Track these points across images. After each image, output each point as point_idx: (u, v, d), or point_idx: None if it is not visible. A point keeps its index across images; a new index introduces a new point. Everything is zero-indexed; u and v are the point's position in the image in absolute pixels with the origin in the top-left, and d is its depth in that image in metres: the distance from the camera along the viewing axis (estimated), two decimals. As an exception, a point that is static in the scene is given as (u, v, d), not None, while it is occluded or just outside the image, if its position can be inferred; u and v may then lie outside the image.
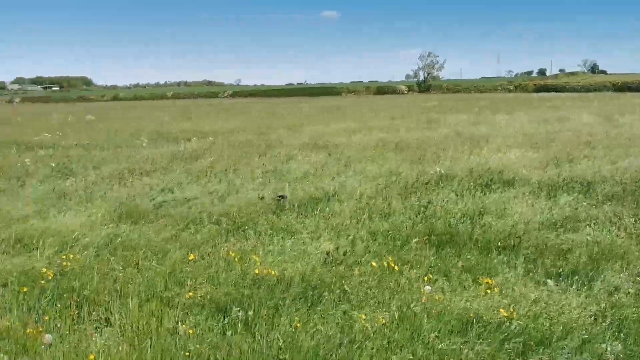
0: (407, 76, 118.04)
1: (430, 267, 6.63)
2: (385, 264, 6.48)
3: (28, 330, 4.67)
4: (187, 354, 4.40)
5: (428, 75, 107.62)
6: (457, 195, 10.22)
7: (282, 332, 4.79)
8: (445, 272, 6.49)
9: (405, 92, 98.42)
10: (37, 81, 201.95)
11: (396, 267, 6.38)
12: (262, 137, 21.93)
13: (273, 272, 6.13)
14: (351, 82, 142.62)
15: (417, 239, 7.57)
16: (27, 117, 40.18)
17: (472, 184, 11.12)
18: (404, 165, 13.87)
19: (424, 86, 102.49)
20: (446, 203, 9.66)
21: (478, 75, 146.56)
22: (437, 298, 5.64)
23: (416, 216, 8.82)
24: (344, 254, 6.96)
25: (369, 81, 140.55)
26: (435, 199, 9.93)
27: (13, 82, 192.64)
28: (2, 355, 4.27)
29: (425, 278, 6.13)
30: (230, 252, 6.86)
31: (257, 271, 6.08)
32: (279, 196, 10.18)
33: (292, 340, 4.66)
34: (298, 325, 4.89)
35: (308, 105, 52.46)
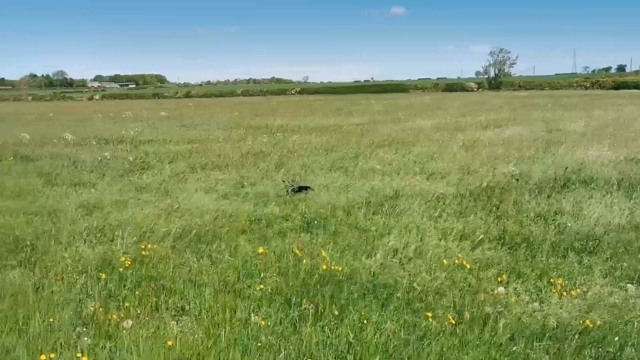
0: (477, 73, 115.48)
1: (503, 267, 6.44)
2: (456, 263, 6.36)
3: (110, 316, 4.89)
4: (259, 344, 4.48)
5: (499, 71, 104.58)
6: (530, 195, 9.89)
7: (351, 327, 4.79)
8: (519, 273, 6.29)
9: (475, 89, 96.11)
10: (115, 79, 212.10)
11: (467, 266, 6.25)
12: (331, 135, 21.99)
13: (341, 268, 6.14)
14: (419, 79, 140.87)
15: (489, 239, 7.40)
16: (106, 114, 42.15)
17: (548, 183, 10.75)
18: (476, 164, 13.57)
19: (495, 83, 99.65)
20: (520, 203, 9.38)
21: (552, 72, 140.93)
22: (510, 299, 5.48)
23: (488, 216, 8.60)
24: (414, 251, 6.89)
25: (437, 78, 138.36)
26: (509, 198, 9.65)
27: (93, 80, 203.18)
28: (86, 339, 4.49)
29: (499, 279, 5.97)
30: (299, 247, 6.93)
31: (325, 267, 6.11)
32: (301, 187, 10.63)
33: (361, 336, 4.66)
34: (366, 321, 4.88)
35: (378, 102, 52.16)
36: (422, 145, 17.72)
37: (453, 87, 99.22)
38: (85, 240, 7.46)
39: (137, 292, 5.55)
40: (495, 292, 5.60)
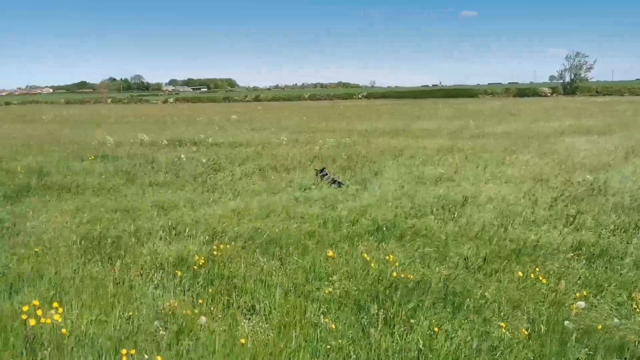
0: (551, 77, 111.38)
1: (580, 280, 6.19)
2: (531, 274, 6.17)
3: (185, 312, 5.08)
4: (329, 347, 4.52)
5: (575, 76, 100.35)
6: (609, 205, 9.45)
7: (421, 334, 4.75)
8: (598, 286, 6.03)
9: (549, 94, 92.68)
10: (188, 83, 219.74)
11: (542, 279, 6.05)
12: (395, 138, 21.86)
13: (411, 276, 6.09)
14: (489, 83, 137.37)
15: (565, 250, 7.13)
16: (180, 117, 43.70)
17: (627, 194, 10.24)
18: (549, 171, 13.12)
19: (570, 88, 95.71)
20: (598, 213, 8.99)
21: (633, 77, 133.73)
22: (588, 313, 5.26)
23: (564, 226, 8.28)
24: (484, 259, 6.75)
25: (509, 83, 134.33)
26: (585, 208, 9.26)
27: (167, 84, 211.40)
28: (163, 332, 4.69)
29: (577, 294, 5.73)
30: (367, 251, 6.94)
31: (394, 274, 6.07)
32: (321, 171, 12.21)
33: (432, 343, 4.61)
34: (437, 329, 4.82)
35: (445, 107, 51.32)
36: (491, 151, 17.30)
37: (525, 92, 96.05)
38: (161, 238, 7.77)
39: (210, 290, 5.72)
40: (573, 305, 5.39)
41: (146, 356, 4.21)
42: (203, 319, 4.97)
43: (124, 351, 4.11)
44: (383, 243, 7.54)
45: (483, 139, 21.26)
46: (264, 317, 5.20)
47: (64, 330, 4.48)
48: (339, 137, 22.36)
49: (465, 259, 6.83)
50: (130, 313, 5.08)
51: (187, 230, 8.07)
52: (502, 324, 4.96)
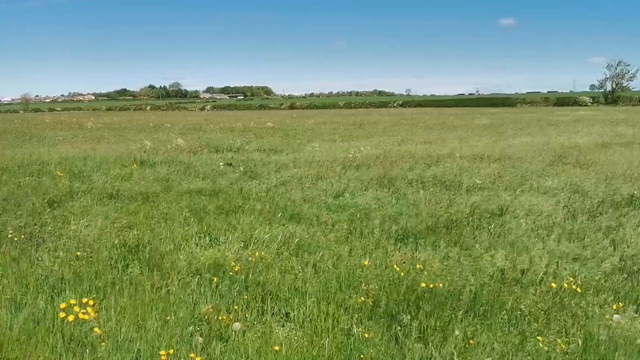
0: (592, 86, 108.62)
1: (619, 294, 6.04)
2: (567, 287, 6.05)
3: (220, 317, 5.16)
4: (362, 356, 4.53)
5: (617, 85, 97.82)
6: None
7: (455, 346, 4.71)
8: (637, 300, 5.87)
9: (589, 103, 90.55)
10: (225, 90, 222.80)
11: (579, 291, 5.93)
12: (429, 148, 21.71)
13: (442, 285, 6.05)
14: (527, 92, 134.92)
15: (603, 263, 6.98)
16: (217, 124, 44.35)
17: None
18: (591, 183, 12.83)
19: (612, 97, 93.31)
20: (638, 227, 8.76)
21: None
22: (627, 328, 5.14)
23: (603, 239, 8.09)
24: (522, 272, 6.64)
25: (548, 92, 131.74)
26: (626, 222, 9.03)
27: (205, 91, 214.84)
28: (198, 337, 4.78)
29: (614, 306, 5.60)
30: (399, 261, 6.93)
31: (424, 284, 6.04)
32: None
33: (465, 355, 4.57)
34: (472, 341, 4.77)
35: (484, 116, 50.69)
36: (529, 161, 17.02)
37: (565, 101, 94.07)
38: (197, 244, 7.91)
39: (245, 296, 5.80)
40: (611, 319, 5.27)
41: (182, 360, 4.30)
42: (237, 324, 5.04)
43: (162, 352, 4.21)
44: (416, 251, 7.52)
45: (520, 149, 20.92)
46: (297, 325, 5.23)
47: (99, 331, 4.61)
48: (374, 145, 22.35)
49: (501, 271, 6.74)
50: (167, 318, 5.19)
51: (222, 237, 8.18)
52: (540, 338, 4.88)
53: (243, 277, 6.41)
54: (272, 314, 5.47)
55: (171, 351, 4.31)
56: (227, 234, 8.28)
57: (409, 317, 5.26)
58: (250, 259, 6.96)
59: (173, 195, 11.92)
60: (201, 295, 5.85)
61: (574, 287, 6.03)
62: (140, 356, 4.45)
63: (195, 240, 8.12)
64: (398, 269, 6.55)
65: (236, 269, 6.56)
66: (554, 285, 6.13)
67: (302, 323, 5.24)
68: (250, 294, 5.85)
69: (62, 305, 4.84)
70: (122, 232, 8.54)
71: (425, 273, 6.46)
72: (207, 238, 8.22)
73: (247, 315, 5.32)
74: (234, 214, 9.88)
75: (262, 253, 7.23)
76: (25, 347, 4.50)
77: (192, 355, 4.40)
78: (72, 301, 4.92)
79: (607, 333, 5.02)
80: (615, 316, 5.37)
